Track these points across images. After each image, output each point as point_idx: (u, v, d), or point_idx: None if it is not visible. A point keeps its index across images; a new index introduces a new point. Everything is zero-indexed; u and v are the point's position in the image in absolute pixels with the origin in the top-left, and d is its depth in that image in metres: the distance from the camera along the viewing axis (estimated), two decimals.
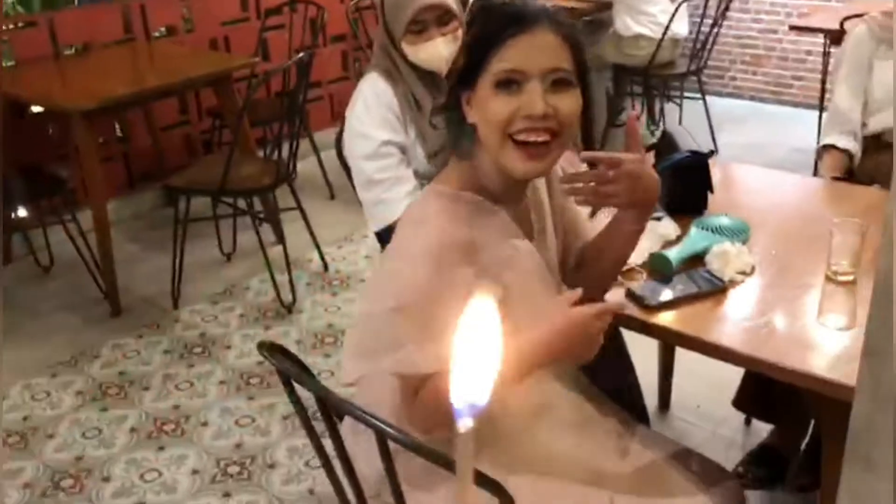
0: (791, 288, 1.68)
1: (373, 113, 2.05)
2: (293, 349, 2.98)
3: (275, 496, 2.34)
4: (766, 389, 2.24)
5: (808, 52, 5.25)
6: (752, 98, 5.55)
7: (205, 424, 2.65)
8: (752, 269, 1.72)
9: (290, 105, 3.15)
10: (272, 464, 2.46)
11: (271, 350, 1.34)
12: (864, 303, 1.60)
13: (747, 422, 2.53)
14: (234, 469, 2.45)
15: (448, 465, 1.07)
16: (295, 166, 3.35)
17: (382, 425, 1.09)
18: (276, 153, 3.28)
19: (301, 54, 2.98)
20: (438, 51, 1.99)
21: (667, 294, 1.62)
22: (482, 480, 1.08)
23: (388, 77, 2.07)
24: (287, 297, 3.31)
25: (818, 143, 2.58)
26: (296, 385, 1.25)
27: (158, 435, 2.61)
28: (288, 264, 3.35)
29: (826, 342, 1.51)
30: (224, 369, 2.93)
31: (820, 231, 1.88)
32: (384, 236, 2.32)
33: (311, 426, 1.30)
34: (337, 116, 4.98)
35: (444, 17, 1.99)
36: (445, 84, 2.13)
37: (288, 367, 1.22)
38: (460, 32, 2.04)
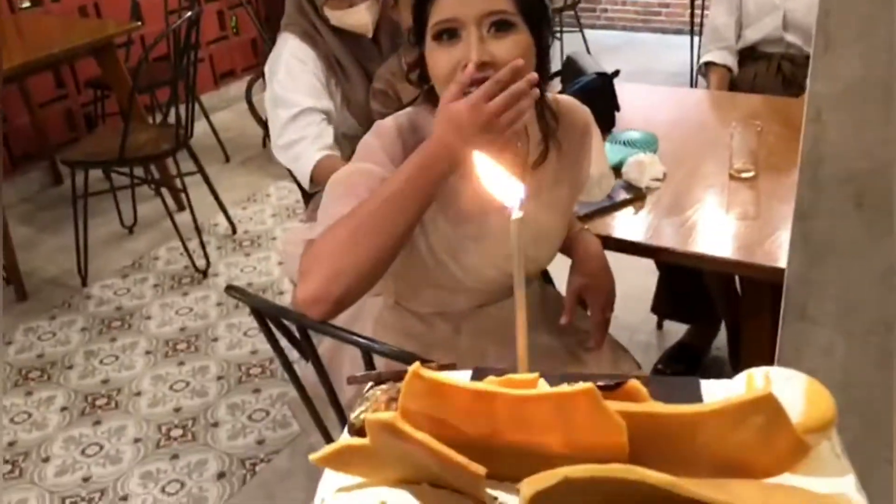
0: (701, 189, 1.83)
1: (297, 80, 2.01)
2: (214, 312, 3.02)
3: (224, 452, 2.37)
4: (682, 292, 2.43)
5: None
6: (623, 28, 5.77)
7: (138, 394, 2.63)
8: (664, 175, 1.86)
9: (181, 65, 3.08)
10: (215, 422, 2.48)
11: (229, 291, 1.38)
12: (766, 196, 1.78)
13: (659, 326, 2.72)
14: (177, 432, 2.46)
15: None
16: (192, 128, 3.30)
17: (367, 341, 1.15)
18: (168, 118, 3.22)
19: (189, 13, 2.92)
20: (363, 16, 1.99)
21: (592, 205, 1.74)
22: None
23: (308, 40, 2.03)
24: (200, 262, 3.29)
25: (698, 60, 2.75)
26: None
27: (92, 410, 2.57)
28: (197, 228, 3.31)
29: (739, 233, 1.67)
30: (148, 339, 2.91)
31: (716, 136, 2.05)
32: (312, 195, 2.32)
33: (281, 350, 1.34)
34: (219, 80, 4.88)
35: None
36: (371, 46, 2.16)
37: (262, 304, 1.27)
38: None
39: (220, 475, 2.28)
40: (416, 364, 0.64)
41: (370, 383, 0.81)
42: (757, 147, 1.83)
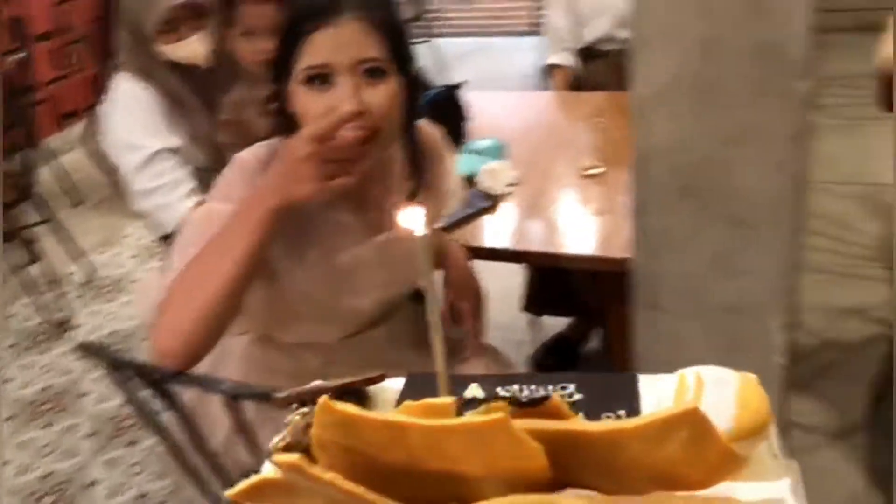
0: (556, 189, 1.87)
1: (137, 120, 1.93)
2: (78, 367, 2.87)
3: None
4: (551, 288, 2.47)
5: None
6: (473, 34, 5.87)
7: (3, 465, 2.46)
8: (518, 179, 1.90)
9: (17, 109, 2.92)
10: (91, 482, 2.35)
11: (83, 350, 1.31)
12: (615, 190, 1.84)
13: (531, 322, 2.77)
14: (48, 500, 2.31)
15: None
16: (34, 177, 3.13)
17: (232, 384, 1.12)
18: (7, 166, 3.04)
19: (21, 54, 2.77)
20: (195, 48, 1.93)
21: (452, 216, 1.75)
22: None
23: (144, 77, 1.95)
24: (59, 315, 3.12)
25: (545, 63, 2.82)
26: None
27: None
28: (53, 279, 3.14)
29: (594, 229, 1.72)
30: (9, 404, 2.73)
31: (566, 136, 2.11)
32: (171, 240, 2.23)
33: (142, 407, 1.28)
34: (62, 121, 4.67)
35: (193, 13, 1.92)
36: (210, 77, 2.09)
37: (113, 358, 1.20)
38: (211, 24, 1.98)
39: None
40: (324, 397, 0.63)
41: (294, 405, 0.78)
42: (603, 144, 1.90)
